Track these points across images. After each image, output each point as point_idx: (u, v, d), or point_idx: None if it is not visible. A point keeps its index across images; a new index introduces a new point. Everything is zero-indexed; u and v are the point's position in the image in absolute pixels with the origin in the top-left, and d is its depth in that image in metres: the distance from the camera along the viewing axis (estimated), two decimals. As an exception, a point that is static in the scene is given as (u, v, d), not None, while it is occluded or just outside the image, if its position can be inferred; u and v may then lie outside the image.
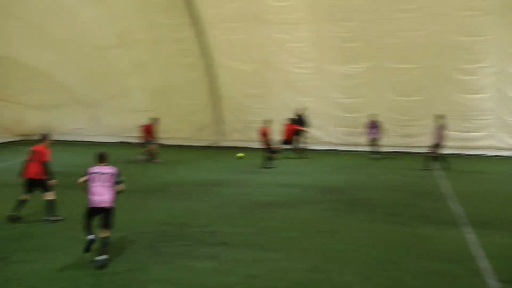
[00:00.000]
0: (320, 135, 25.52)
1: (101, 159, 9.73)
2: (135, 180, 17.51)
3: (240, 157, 21.26)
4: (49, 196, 11.85)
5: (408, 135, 24.04)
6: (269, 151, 20.45)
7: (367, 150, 23.63)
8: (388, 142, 24.00)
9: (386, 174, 18.52)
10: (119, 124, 28.76)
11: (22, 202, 11.88)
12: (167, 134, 26.45)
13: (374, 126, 22.35)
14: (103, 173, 9.38)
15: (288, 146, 22.68)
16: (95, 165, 9.50)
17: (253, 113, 26.05)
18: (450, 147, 20.97)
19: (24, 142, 29.33)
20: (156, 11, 25.38)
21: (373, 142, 22.56)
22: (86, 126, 30.48)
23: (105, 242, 8.97)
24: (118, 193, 9.43)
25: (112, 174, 9.44)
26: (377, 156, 22.33)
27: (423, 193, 15.13)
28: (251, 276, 8.30)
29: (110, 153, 9.95)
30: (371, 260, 9.01)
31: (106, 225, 9.08)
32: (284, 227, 11.25)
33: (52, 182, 11.87)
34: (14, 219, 11.66)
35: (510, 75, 22.50)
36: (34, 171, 11.76)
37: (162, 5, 25.04)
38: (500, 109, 23.04)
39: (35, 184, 11.84)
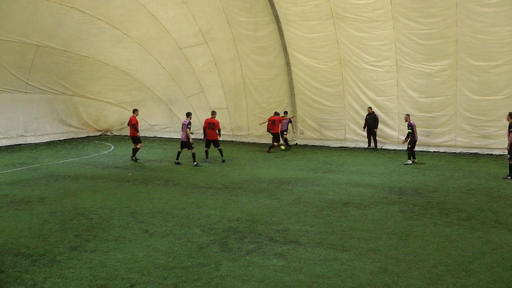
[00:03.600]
0: (396, 134, 25.16)
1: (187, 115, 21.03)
2: (208, 176, 17.98)
3: (283, 149, 24.64)
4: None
5: (487, 136, 23.27)
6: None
7: (444, 151, 23.33)
8: (466, 143, 23.55)
9: (462, 177, 17.96)
10: (196, 121, 29.47)
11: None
12: (241, 131, 26.86)
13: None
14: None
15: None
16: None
17: (328, 112, 26.09)
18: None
19: (103, 137, 30.59)
20: (236, 10, 25.77)
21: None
22: (163, 123, 31.37)
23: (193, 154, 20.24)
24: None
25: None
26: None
27: (499, 198, 14.55)
28: (319, 276, 8.35)
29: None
30: (441, 265, 8.85)
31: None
32: (354, 227, 11.22)
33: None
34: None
35: None
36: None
37: (242, 3, 25.39)
38: None
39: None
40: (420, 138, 23.13)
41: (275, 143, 24.62)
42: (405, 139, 21.04)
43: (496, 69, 22.25)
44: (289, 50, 25.90)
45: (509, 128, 17.27)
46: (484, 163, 21.11)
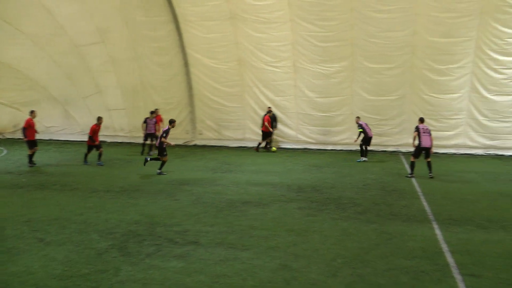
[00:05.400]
0: (294, 133, 25.61)
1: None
2: (106, 180, 17.47)
3: (274, 151, 24.40)
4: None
5: (381, 134, 24.22)
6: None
7: (340, 149, 24.08)
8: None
9: (358, 173, 18.60)
10: (93, 122, 28.59)
11: None
12: (140, 133, 26.34)
13: None
14: None
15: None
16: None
17: (227, 112, 26.15)
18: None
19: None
20: (134, 9, 25.29)
21: None
22: (59, 125, 30.19)
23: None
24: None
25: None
26: None
27: (393, 191, 15.26)
28: (220, 275, 8.27)
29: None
30: (339, 258, 9.06)
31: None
32: (254, 226, 11.24)
33: None
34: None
35: (484, 75, 22.86)
36: None
37: (140, 2, 24.95)
38: (473, 108, 23.39)
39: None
40: (317, 137, 23.88)
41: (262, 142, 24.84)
42: (357, 138, 21.76)
43: (389, 71, 23.31)
44: (188, 50, 25.71)
45: (415, 129, 17.99)
46: (379, 160, 21.92)
